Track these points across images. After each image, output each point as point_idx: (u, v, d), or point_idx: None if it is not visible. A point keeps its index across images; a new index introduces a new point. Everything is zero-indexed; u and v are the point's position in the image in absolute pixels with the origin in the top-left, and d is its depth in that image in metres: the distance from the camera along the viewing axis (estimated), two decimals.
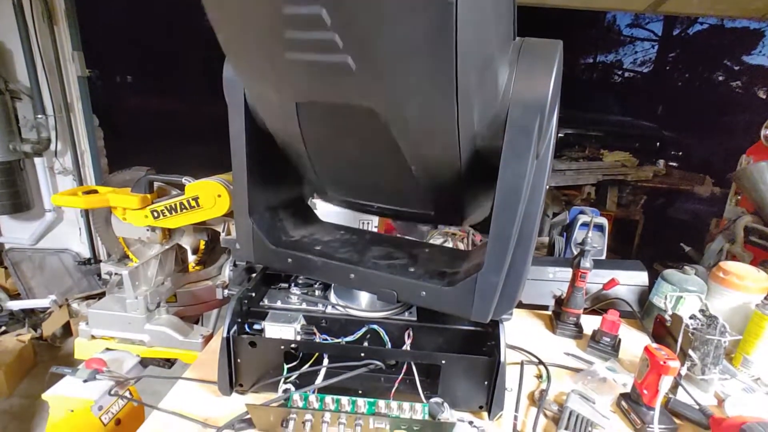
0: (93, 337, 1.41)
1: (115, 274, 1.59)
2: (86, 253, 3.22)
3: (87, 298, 2.80)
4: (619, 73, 11.52)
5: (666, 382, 0.90)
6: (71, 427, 1.17)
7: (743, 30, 9.25)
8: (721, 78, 9.82)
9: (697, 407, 0.98)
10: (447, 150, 0.72)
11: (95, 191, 1.58)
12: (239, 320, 0.96)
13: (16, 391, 2.44)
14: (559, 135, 4.54)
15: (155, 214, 1.50)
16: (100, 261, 3.14)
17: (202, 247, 1.71)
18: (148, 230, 1.58)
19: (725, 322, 1.04)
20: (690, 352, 1.06)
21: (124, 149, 3.45)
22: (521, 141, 0.66)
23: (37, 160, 2.90)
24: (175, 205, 1.47)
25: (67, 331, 2.89)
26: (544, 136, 0.69)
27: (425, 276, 0.90)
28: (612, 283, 1.44)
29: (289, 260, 1.00)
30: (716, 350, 1.03)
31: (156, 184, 1.57)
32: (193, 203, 1.46)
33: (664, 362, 0.89)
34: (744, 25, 9.06)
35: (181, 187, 1.50)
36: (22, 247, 3.06)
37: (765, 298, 1.16)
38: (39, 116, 2.77)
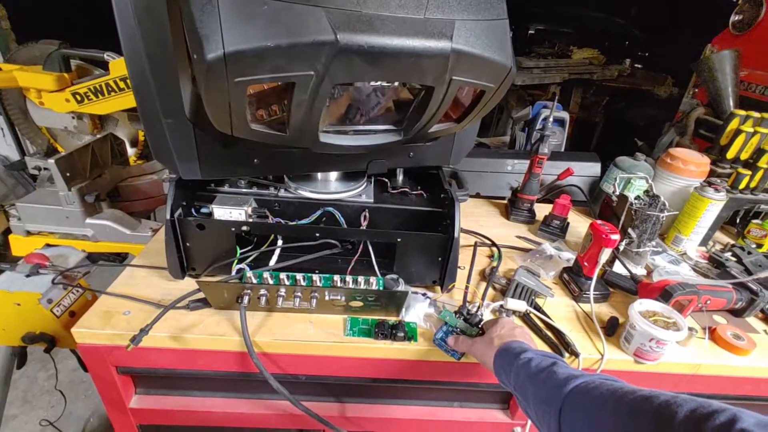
0: (29, 233, 1.32)
1: (44, 168, 1.43)
2: (15, 156, 2.91)
3: None
4: None
5: (605, 254, 0.97)
6: (22, 320, 1.14)
7: None
8: None
9: (629, 276, 1.07)
10: None
11: None
12: (184, 203, 0.90)
13: None
14: (530, 31, 4.29)
15: (78, 98, 1.31)
16: None
17: (141, 138, 1.55)
18: (73, 118, 1.39)
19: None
20: (630, 230, 1.13)
21: (32, 23, 2.87)
22: None
23: None
24: (101, 86, 1.28)
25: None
26: None
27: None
28: (567, 172, 1.46)
29: (256, 160, 0.84)
30: (653, 226, 1.10)
31: (75, 63, 1.35)
32: (122, 84, 1.27)
33: (606, 235, 0.94)
34: None
35: (105, 66, 1.30)
36: None
37: (703, 182, 1.23)
38: None
